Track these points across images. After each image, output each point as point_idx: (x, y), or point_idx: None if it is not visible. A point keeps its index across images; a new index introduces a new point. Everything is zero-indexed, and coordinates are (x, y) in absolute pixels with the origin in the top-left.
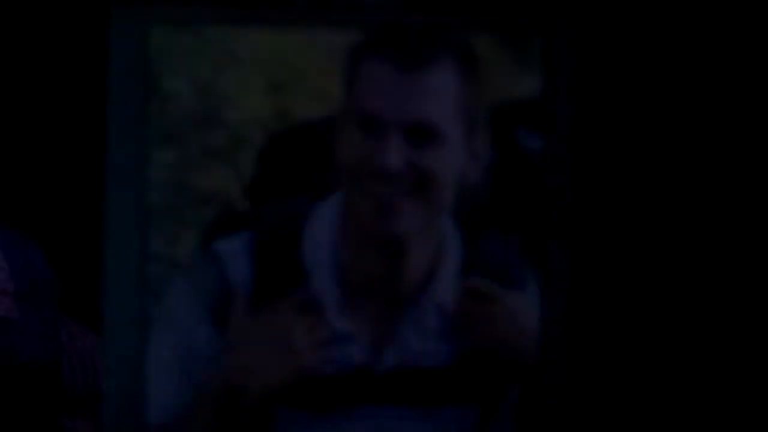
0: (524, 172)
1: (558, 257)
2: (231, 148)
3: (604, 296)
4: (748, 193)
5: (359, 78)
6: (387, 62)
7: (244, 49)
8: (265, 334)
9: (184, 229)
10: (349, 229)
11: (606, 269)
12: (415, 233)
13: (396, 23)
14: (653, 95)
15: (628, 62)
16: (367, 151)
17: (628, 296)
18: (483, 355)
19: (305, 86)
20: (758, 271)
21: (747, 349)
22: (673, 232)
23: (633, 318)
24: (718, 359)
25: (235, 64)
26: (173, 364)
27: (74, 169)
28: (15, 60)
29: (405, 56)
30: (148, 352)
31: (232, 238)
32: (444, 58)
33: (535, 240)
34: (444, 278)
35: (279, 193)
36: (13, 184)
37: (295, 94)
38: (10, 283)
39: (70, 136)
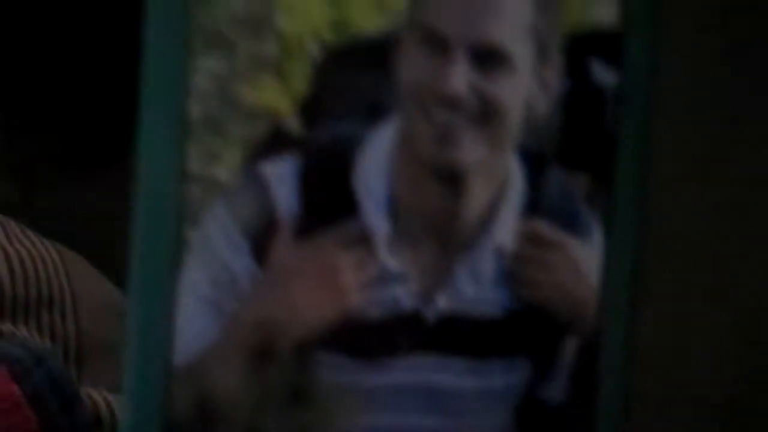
0: (597, 108)
1: (625, 205)
2: (283, 60)
3: (672, 252)
4: None
5: None
6: None
7: None
8: (308, 269)
9: (226, 147)
10: (405, 158)
11: (677, 222)
12: (477, 167)
13: None
14: None
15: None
16: (430, 73)
17: (697, 252)
18: (540, 305)
19: None
20: None
21: None
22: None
23: (701, 276)
24: None
25: None
26: (206, 294)
27: (109, 74)
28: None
29: None
30: (179, 281)
31: (279, 159)
32: None
33: (604, 184)
34: (505, 220)
35: (333, 114)
36: (43, 89)
37: (355, 5)
38: None
39: (104, 39)
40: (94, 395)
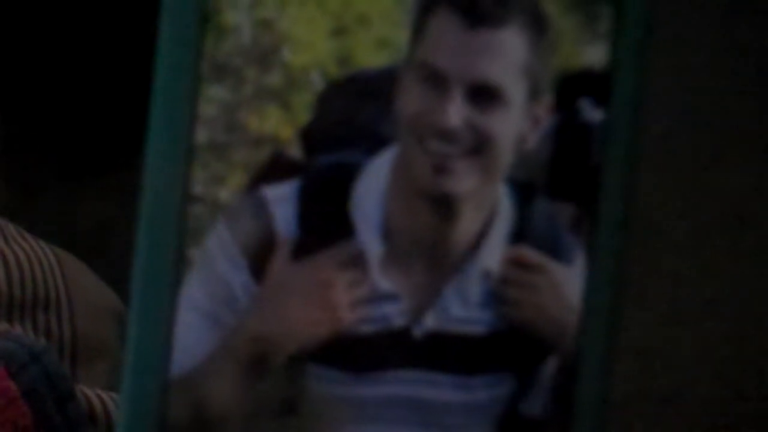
0: (583, 144)
1: (607, 234)
2: (288, 91)
3: (666, 263)
4: None
5: (426, 30)
6: (456, 17)
7: None
8: (304, 287)
9: (231, 171)
10: (401, 185)
11: (671, 234)
12: (468, 195)
13: None
14: None
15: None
16: (428, 107)
17: (691, 263)
18: (523, 325)
19: (370, 34)
20: None
21: None
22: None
23: (694, 287)
24: None
25: (300, 4)
26: (205, 310)
27: (107, 95)
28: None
29: (475, 13)
30: (180, 297)
31: (280, 184)
32: (514, 19)
33: (588, 214)
34: (493, 245)
35: (334, 143)
36: (57, 110)
37: (359, 41)
38: None
39: (118, 65)
40: (89, 393)
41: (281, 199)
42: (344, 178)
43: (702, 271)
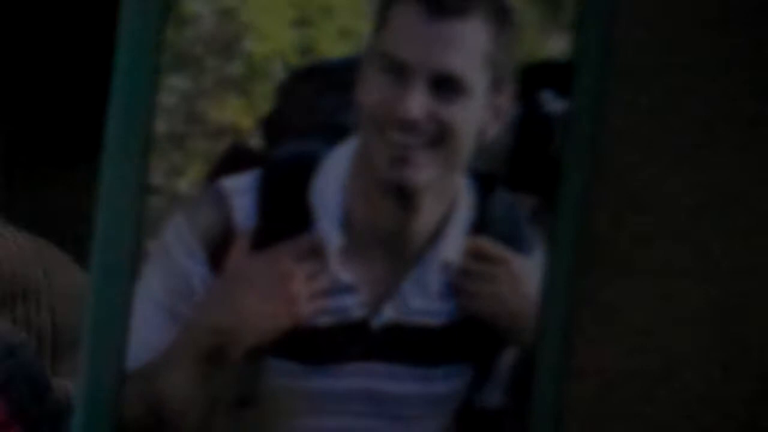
0: (545, 135)
1: (566, 225)
2: (249, 81)
3: (655, 235)
4: None
5: (388, 21)
6: (419, 8)
7: None
8: (262, 279)
9: (190, 161)
10: (361, 176)
11: (660, 209)
12: (428, 186)
13: None
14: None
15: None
16: (389, 97)
17: (679, 236)
18: (482, 316)
19: (332, 24)
20: None
21: None
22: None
23: (682, 258)
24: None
25: None
26: (162, 302)
27: (79, 87)
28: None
29: (438, 4)
30: (137, 289)
31: (240, 175)
32: (477, 10)
33: (547, 205)
34: (452, 236)
35: (294, 133)
36: (17, 95)
37: (321, 31)
38: None
39: (77, 53)
40: (67, 385)
41: (240, 191)
42: (304, 169)
43: (693, 250)
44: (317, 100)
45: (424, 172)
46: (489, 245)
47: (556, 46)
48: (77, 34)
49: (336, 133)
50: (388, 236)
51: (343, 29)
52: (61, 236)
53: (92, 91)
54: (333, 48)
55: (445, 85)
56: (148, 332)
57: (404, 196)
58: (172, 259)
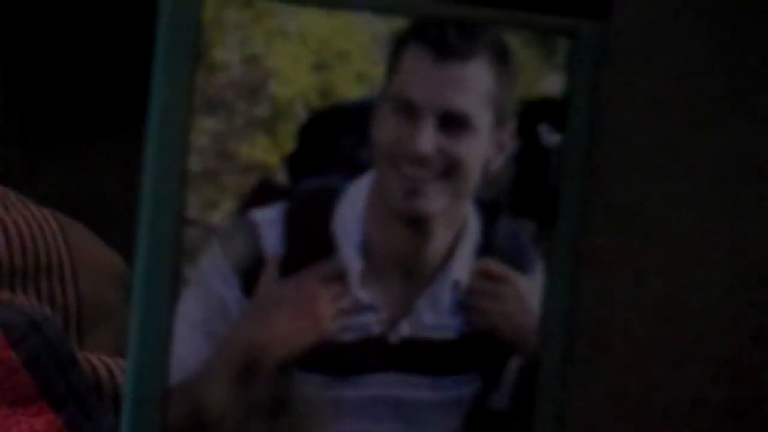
0: (542, 166)
1: (564, 247)
2: (274, 122)
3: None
4: None
5: (400, 65)
6: (427, 52)
7: (293, 27)
8: (291, 300)
9: (222, 196)
10: (378, 207)
11: (665, 199)
12: (439, 215)
13: (437, 15)
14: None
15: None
16: (402, 135)
17: (685, 219)
18: (489, 330)
19: (349, 68)
20: None
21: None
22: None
23: (691, 239)
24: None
25: (284, 41)
26: (200, 322)
27: (101, 57)
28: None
29: (444, 48)
30: (177, 311)
31: (268, 207)
32: (480, 52)
33: (547, 229)
34: (462, 258)
35: (317, 169)
36: (58, 76)
37: (339, 75)
38: None
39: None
40: (94, 360)
41: (269, 222)
42: (326, 201)
43: (696, 225)
44: (336, 139)
45: (435, 202)
46: (495, 266)
47: (552, 85)
48: (107, 8)
49: (354, 169)
50: (404, 260)
51: (359, 73)
52: (86, 212)
53: (121, 63)
54: (350, 91)
55: (453, 123)
56: (187, 350)
57: (418, 224)
58: (209, 285)
